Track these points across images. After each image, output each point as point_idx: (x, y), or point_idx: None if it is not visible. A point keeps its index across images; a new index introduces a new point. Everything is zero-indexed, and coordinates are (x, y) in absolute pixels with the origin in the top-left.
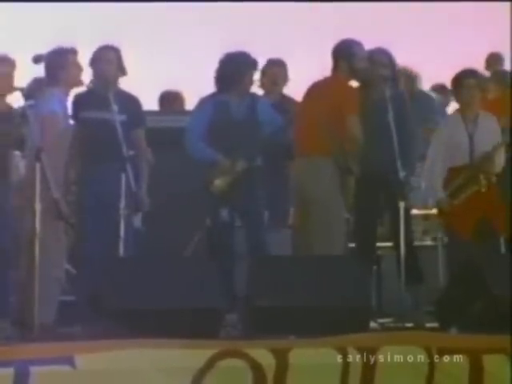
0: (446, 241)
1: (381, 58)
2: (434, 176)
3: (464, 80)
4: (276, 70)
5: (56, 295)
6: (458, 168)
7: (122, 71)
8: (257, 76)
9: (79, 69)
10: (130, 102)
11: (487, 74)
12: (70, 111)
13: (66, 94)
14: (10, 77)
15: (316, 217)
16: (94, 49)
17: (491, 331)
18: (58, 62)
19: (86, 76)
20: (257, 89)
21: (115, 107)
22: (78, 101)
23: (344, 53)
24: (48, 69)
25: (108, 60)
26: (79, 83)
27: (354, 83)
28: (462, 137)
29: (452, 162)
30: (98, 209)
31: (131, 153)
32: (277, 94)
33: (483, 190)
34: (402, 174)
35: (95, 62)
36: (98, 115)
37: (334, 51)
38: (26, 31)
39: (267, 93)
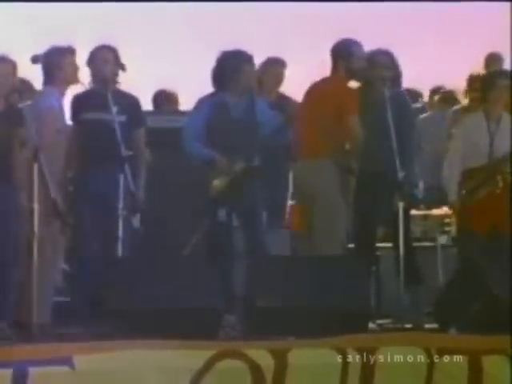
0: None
1: (382, 58)
2: (453, 174)
3: (497, 80)
4: (280, 70)
5: (51, 296)
6: (476, 168)
7: (121, 67)
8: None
9: (75, 68)
10: (129, 103)
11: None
12: (66, 110)
13: (63, 93)
14: (10, 77)
15: (317, 217)
16: (89, 49)
17: (491, 332)
18: (55, 61)
19: (85, 76)
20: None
21: (114, 108)
22: (77, 101)
23: (342, 52)
24: (45, 68)
25: (105, 59)
26: (75, 82)
27: (354, 83)
28: (483, 136)
29: (471, 161)
30: (96, 209)
31: (129, 153)
32: (276, 93)
33: (498, 190)
34: (400, 175)
35: (92, 61)
36: (96, 116)
37: (332, 51)
38: (24, 31)
39: (268, 92)
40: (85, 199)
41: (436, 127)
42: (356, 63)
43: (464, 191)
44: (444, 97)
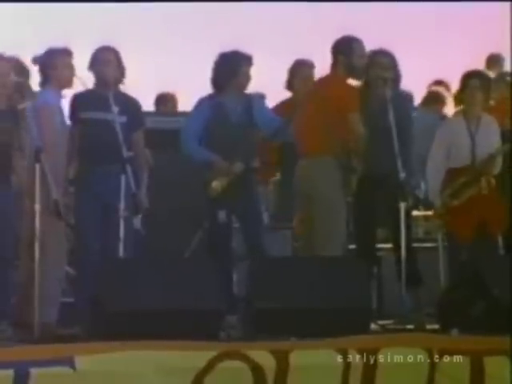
0: (447, 242)
1: (382, 59)
2: (437, 177)
3: (469, 80)
4: (309, 71)
5: (57, 296)
6: (460, 169)
7: (121, 73)
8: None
9: (71, 70)
10: (129, 104)
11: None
12: (65, 110)
13: (59, 94)
14: (9, 76)
15: (318, 217)
16: (89, 51)
17: (492, 333)
18: (51, 62)
19: (87, 77)
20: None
21: (115, 109)
22: (78, 101)
23: (343, 48)
24: (41, 68)
25: (107, 61)
26: (71, 83)
27: (354, 82)
28: (464, 138)
29: (453, 162)
30: (97, 210)
31: (131, 154)
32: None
33: (484, 191)
34: (402, 175)
35: (94, 63)
36: (98, 116)
37: (333, 47)
38: (26, 33)
39: (297, 93)
40: (86, 200)
41: (425, 127)
42: (355, 60)
43: (448, 193)
44: (430, 97)
